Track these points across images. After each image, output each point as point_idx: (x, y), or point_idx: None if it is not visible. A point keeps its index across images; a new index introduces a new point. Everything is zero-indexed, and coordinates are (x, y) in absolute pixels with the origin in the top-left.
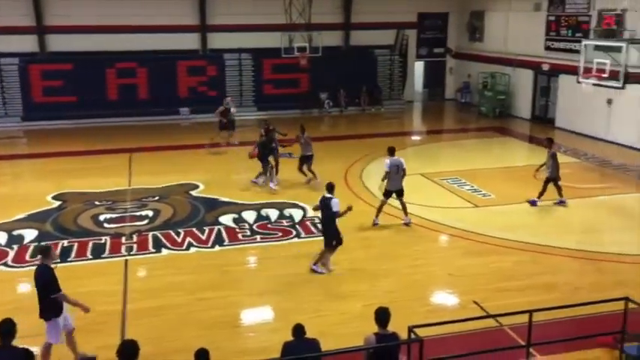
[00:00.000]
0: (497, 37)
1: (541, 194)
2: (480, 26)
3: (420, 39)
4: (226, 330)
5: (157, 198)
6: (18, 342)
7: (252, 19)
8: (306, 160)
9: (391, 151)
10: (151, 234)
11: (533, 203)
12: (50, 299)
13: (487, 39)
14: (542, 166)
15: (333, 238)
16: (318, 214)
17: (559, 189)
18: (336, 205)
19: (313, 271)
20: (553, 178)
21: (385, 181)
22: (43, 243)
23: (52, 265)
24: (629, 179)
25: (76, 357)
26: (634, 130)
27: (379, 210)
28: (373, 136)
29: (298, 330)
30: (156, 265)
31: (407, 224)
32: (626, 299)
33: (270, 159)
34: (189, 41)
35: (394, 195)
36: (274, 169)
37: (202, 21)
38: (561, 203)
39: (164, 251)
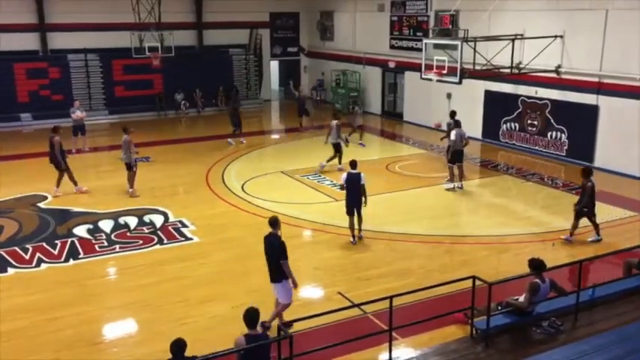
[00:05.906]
0: (346, 37)
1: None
2: (330, 26)
3: (274, 38)
4: (86, 348)
5: None
6: None
7: (97, 18)
8: None
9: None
10: None
11: (321, 165)
12: (280, 264)
13: (337, 38)
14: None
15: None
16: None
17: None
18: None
19: None
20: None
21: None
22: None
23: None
24: (469, 167)
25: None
26: (470, 122)
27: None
28: (233, 136)
29: (177, 347)
30: (1, 287)
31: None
32: (473, 277)
33: None
34: (27, 41)
35: None
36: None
37: (41, 19)
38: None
39: (10, 270)
